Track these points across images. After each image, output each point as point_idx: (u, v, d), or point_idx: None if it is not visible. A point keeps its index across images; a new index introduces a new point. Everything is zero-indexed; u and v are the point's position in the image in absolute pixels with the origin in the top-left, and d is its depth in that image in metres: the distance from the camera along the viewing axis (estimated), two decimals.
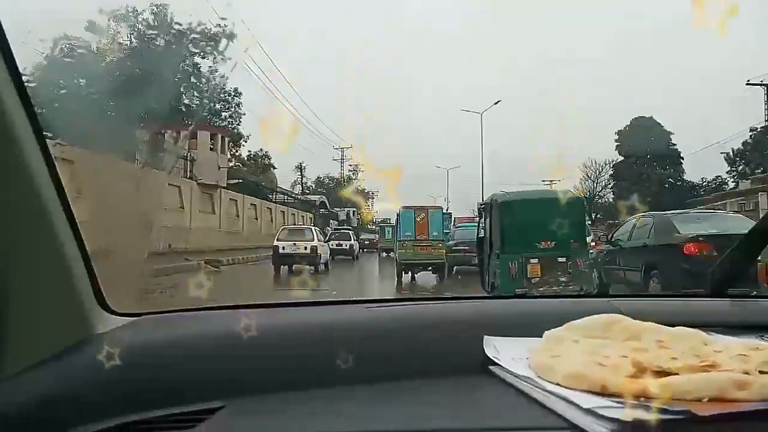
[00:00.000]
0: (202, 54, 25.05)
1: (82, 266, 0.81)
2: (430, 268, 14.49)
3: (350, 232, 26.41)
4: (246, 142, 33.93)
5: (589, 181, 42.39)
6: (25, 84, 0.73)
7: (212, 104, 29.44)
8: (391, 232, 32.25)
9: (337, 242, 22.24)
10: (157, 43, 23.69)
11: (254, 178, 34.16)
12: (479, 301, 1.13)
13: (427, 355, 0.86)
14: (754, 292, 1.24)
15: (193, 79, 25.45)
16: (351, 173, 57.78)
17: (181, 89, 24.22)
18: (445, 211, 19.61)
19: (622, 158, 37.33)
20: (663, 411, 0.61)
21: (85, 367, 0.75)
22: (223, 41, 24.13)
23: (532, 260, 7.94)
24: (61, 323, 0.78)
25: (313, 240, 17.17)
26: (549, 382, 0.74)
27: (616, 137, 38.21)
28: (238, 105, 32.80)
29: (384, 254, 27.18)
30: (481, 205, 10.42)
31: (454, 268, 15.18)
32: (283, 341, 0.85)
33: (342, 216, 42.44)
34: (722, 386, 0.66)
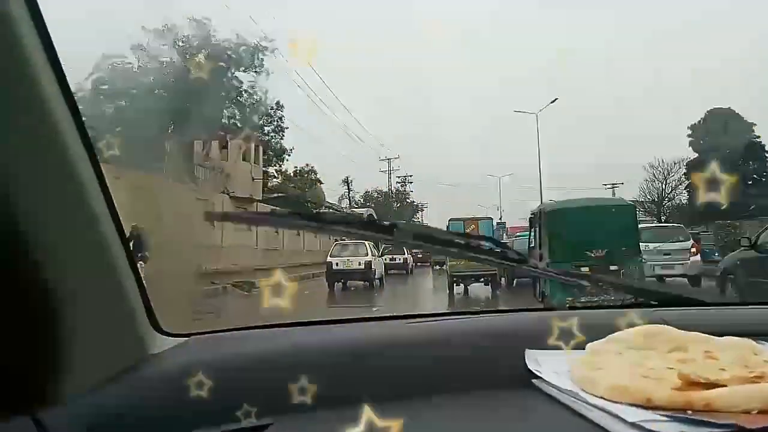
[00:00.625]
0: (243, 68, 25.12)
1: (135, 287, 0.87)
2: (482, 279, 14.78)
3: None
4: (289, 156, 33.83)
5: (657, 182, 39.93)
6: (78, 104, 0.78)
7: (254, 119, 29.47)
8: None
9: (390, 256, 22.30)
10: (197, 59, 24.43)
11: (298, 191, 33.42)
12: (520, 313, 1.17)
13: (469, 369, 0.89)
14: None
15: (233, 94, 25.42)
16: (399, 185, 57.15)
17: (222, 105, 24.25)
18: (499, 220, 19.45)
19: (696, 155, 34.92)
20: (709, 424, 0.62)
21: (141, 388, 0.82)
22: (264, 54, 24.39)
23: (582, 270, 8.20)
24: (116, 345, 0.84)
25: (367, 255, 17.10)
26: (592, 395, 0.75)
27: (689, 132, 36.49)
28: (280, 119, 32.80)
29: (437, 267, 27.55)
30: (531, 214, 10.58)
31: (515, 281, 15.02)
32: (328, 358, 0.90)
33: None
34: None
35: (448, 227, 16.46)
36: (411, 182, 57.87)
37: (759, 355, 0.81)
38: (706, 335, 0.88)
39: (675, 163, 39.00)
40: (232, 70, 24.60)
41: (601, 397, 0.74)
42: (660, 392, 0.71)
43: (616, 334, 0.90)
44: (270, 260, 21.77)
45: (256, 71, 25.38)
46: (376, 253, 18.67)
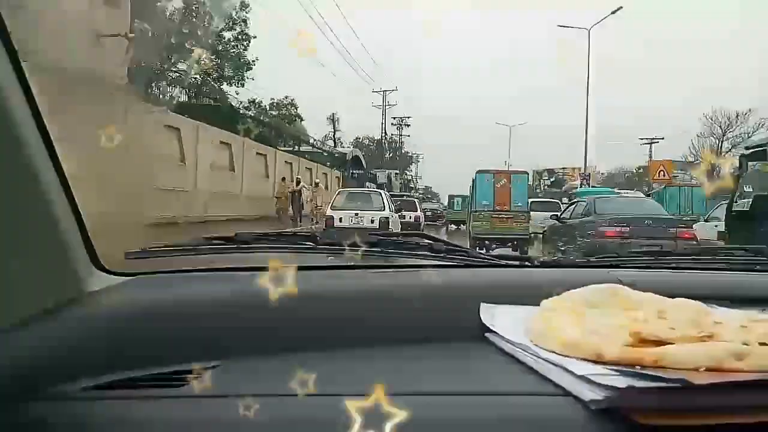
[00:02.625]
0: None
1: (72, 221, 0.90)
2: (509, 244, 13.72)
3: (416, 200, 23.36)
4: (250, 70, 26.94)
5: (712, 138, 36.38)
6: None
7: (205, 21, 22.99)
8: (459, 203, 31.83)
9: (400, 214, 18.01)
10: None
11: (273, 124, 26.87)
12: (478, 270, 1.25)
13: (423, 321, 0.99)
14: (758, 266, 1.35)
15: None
16: (395, 127, 52.90)
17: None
18: None
19: None
20: (658, 379, 0.69)
21: (75, 325, 0.86)
22: None
23: None
24: (50, 281, 0.87)
25: (383, 209, 14.24)
26: (544, 349, 0.84)
27: None
28: (244, 22, 26.66)
29: (453, 227, 27.51)
30: (747, 149, 8.06)
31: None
32: (282, 304, 0.94)
33: (381, 178, 37.15)
34: (720, 356, 0.74)
35: (474, 180, 15.31)
36: (408, 125, 53.68)
37: (709, 316, 0.90)
38: (660, 296, 0.97)
39: (739, 115, 35.45)
40: None
41: (553, 352, 0.83)
42: (611, 348, 0.78)
43: (571, 291, 0.99)
44: (166, 208, 12.69)
45: None
46: (393, 208, 15.47)
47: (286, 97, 35.54)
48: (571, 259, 1.37)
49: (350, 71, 55.52)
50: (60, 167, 0.87)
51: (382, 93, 48.66)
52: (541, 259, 1.33)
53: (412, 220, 19.92)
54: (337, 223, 13.52)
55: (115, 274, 1.01)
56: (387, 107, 49.40)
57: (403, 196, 24.41)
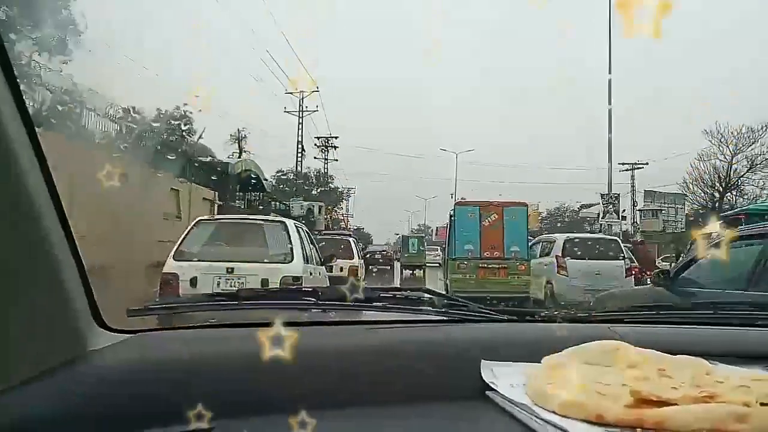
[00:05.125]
0: None
1: (77, 279, 1.01)
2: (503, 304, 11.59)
3: (351, 240, 16.81)
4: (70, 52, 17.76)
5: (721, 157, 34.18)
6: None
7: None
8: (415, 245, 30.17)
9: (326, 265, 9.98)
10: None
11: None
12: (478, 324, 1.40)
13: (424, 378, 1.09)
14: (759, 321, 1.51)
15: None
16: (319, 149, 45.88)
17: None
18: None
19: None
20: None
21: (77, 384, 0.95)
22: None
23: None
24: (50, 339, 0.97)
25: (289, 259, 7.84)
26: (545, 410, 0.93)
27: None
28: None
29: (408, 273, 27.15)
30: None
31: None
32: (278, 361, 1.06)
33: (297, 210, 29.34)
34: (721, 418, 0.83)
35: (452, 216, 13.05)
36: (336, 147, 46.08)
37: (711, 375, 0.98)
38: (661, 353, 1.06)
39: (752, 131, 32.89)
40: None
41: (554, 412, 0.91)
42: (612, 409, 0.87)
43: (572, 348, 1.09)
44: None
45: None
46: (316, 253, 9.38)
47: (178, 108, 25.97)
48: (572, 314, 1.49)
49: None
50: (67, 225, 0.98)
51: (299, 94, 40.74)
52: (543, 314, 1.48)
53: (346, 273, 13.29)
54: (186, 290, 7.16)
55: (116, 331, 1.11)
56: (303, 113, 41.65)
57: (334, 234, 18.45)
